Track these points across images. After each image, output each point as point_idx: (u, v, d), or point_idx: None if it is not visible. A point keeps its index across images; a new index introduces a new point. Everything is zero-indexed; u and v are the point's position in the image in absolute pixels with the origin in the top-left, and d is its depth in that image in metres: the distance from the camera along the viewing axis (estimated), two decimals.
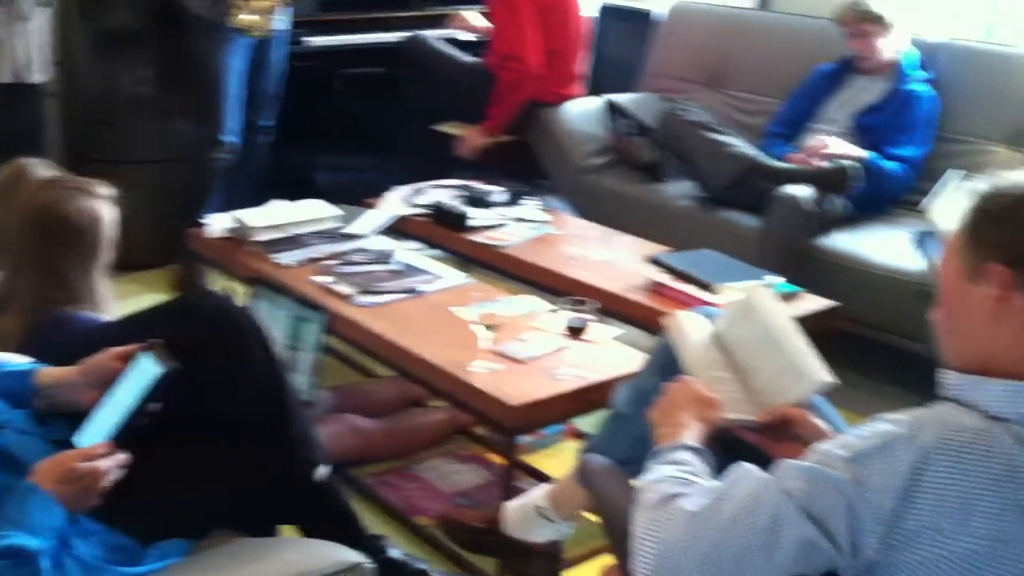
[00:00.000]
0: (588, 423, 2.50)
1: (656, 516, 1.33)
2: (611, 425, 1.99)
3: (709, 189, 3.72)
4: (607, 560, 2.21)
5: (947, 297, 1.34)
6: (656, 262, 2.97)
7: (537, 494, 2.13)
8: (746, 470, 1.33)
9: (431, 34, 4.52)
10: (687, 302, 2.63)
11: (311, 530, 1.90)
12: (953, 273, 1.31)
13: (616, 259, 3.10)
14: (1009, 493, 1.20)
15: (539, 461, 2.83)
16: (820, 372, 1.71)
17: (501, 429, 2.35)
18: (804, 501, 1.24)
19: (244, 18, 3.79)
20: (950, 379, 1.32)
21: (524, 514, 2.13)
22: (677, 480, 1.39)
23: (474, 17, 4.55)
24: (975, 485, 1.20)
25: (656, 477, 1.41)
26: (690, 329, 1.87)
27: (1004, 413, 1.24)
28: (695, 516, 1.29)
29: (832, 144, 3.59)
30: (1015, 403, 1.24)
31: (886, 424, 1.26)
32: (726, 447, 1.63)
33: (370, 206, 3.41)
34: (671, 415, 1.60)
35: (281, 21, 3.96)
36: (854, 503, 1.22)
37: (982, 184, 1.32)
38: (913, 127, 3.66)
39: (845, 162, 3.48)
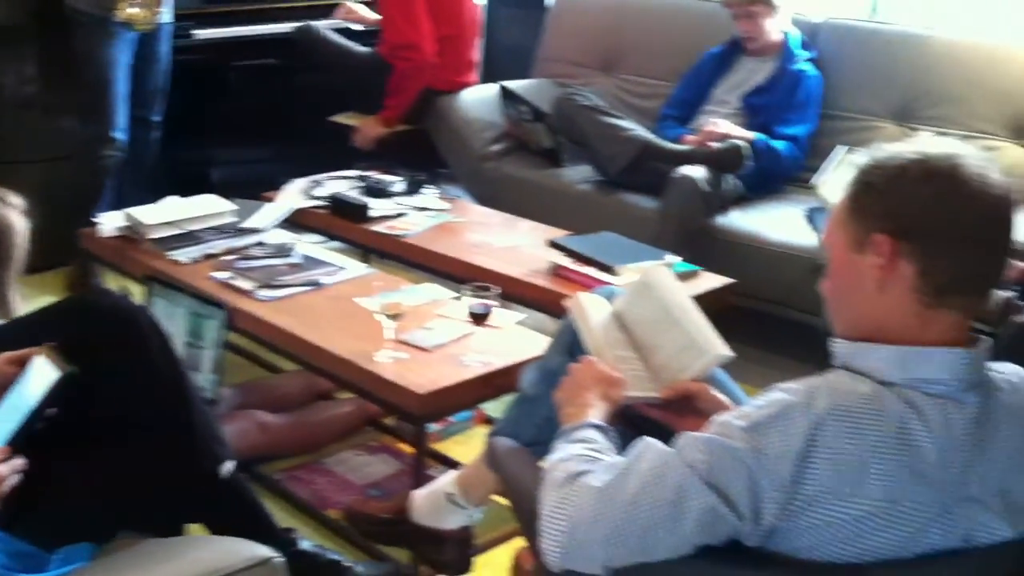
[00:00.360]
0: (496, 408, 2.51)
1: (563, 494, 1.34)
2: (519, 407, 2.01)
3: (606, 172, 3.76)
4: (519, 543, 2.23)
5: (834, 268, 1.38)
6: (557, 246, 2.99)
7: (446, 481, 2.14)
8: (649, 444, 1.35)
9: (322, 24, 4.47)
10: (589, 284, 2.66)
11: (219, 527, 1.88)
12: (839, 245, 1.35)
13: (517, 244, 3.12)
14: (901, 455, 1.24)
15: (449, 448, 2.84)
16: (719, 347, 1.75)
17: (409, 418, 2.35)
18: (706, 472, 1.27)
19: (129, 12, 3.70)
20: (840, 347, 1.36)
21: (433, 501, 2.13)
22: (583, 458, 1.41)
23: (361, 8, 4.52)
24: (868, 448, 1.23)
25: (562, 456, 1.43)
26: (591, 310, 1.90)
27: (893, 378, 1.28)
28: (601, 492, 1.31)
29: (723, 127, 3.66)
30: (903, 368, 1.28)
31: (781, 393, 1.29)
32: (633, 423, 1.66)
33: (268, 200, 3.38)
34: (576, 395, 1.62)
35: (166, 14, 3.88)
36: (754, 471, 1.25)
37: (863, 157, 1.36)
38: (801, 106, 3.75)
39: (738, 141, 3.56)
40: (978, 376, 1.31)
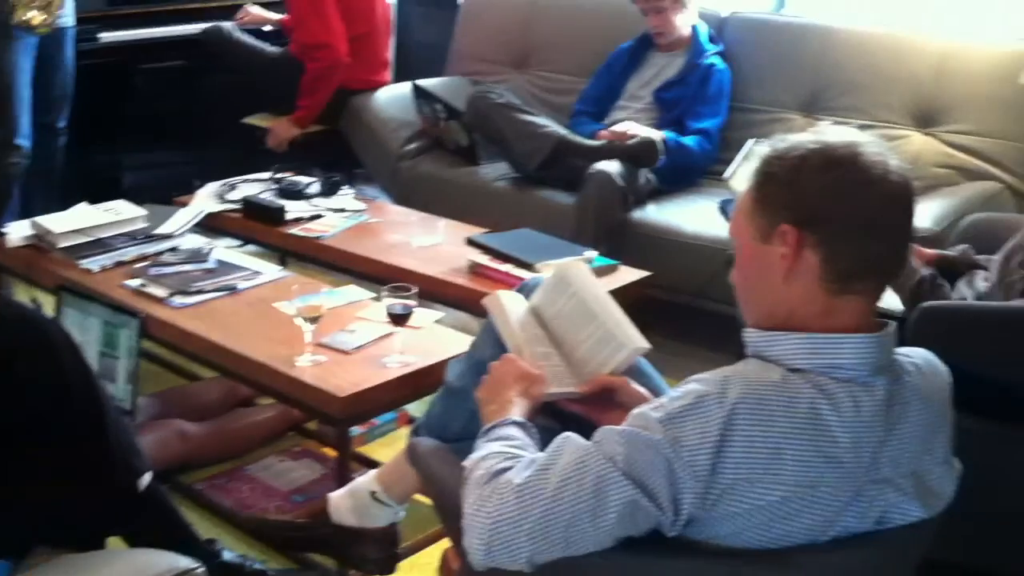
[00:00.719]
0: (420, 409, 2.50)
1: (485, 492, 1.34)
2: (444, 401, 2.00)
3: (523, 169, 3.78)
4: (446, 544, 2.23)
5: (742, 259, 1.40)
6: (475, 244, 3.00)
7: (367, 479, 2.12)
8: (569, 439, 1.36)
9: (230, 25, 4.42)
10: (508, 282, 2.67)
11: (139, 540, 1.85)
12: (746, 236, 1.37)
13: (436, 243, 3.11)
14: (814, 440, 1.26)
15: (374, 451, 2.82)
16: (637, 339, 1.76)
17: (331, 421, 2.33)
18: (625, 464, 1.28)
19: (27, 15, 3.61)
20: (751, 336, 1.38)
21: (356, 500, 2.11)
22: (503, 455, 1.41)
23: (261, 10, 4.48)
24: (782, 434, 1.25)
25: (483, 454, 1.43)
26: (510, 307, 1.90)
27: (803, 365, 1.31)
28: (522, 488, 1.32)
29: (633, 128, 3.69)
30: (813, 354, 1.31)
31: (695, 384, 1.30)
32: (558, 418, 1.67)
33: (181, 204, 3.32)
34: (497, 393, 1.62)
35: (68, 17, 3.80)
36: (672, 463, 1.26)
37: (765, 148, 1.38)
38: (711, 99, 3.80)
39: (652, 135, 3.59)
40: (885, 360, 1.34)
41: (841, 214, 1.30)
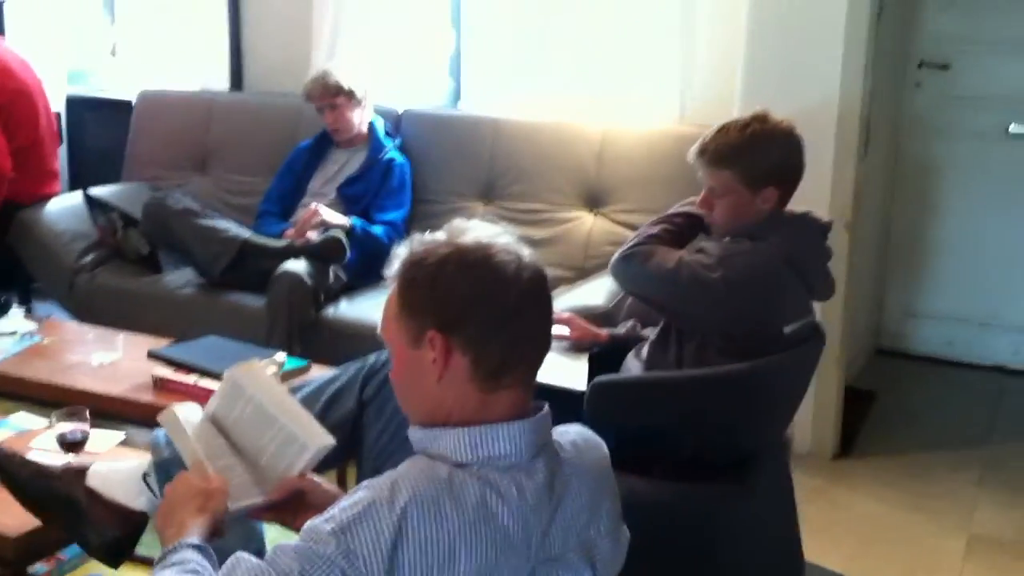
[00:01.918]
0: None
1: None
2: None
3: (208, 274, 3.70)
4: None
5: (397, 362, 1.42)
6: (157, 356, 2.89)
7: (142, 462, 1.95)
8: (240, 560, 1.32)
9: None
10: (195, 394, 2.59)
11: None
12: (397, 340, 1.39)
13: (116, 359, 2.98)
14: (484, 532, 1.29)
15: None
16: (320, 437, 1.70)
17: (6, 564, 2.16)
18: None
19: None
20: (415, 434, 1.40)
21: (123, 474, 1.95)
22: None
23: None
24: (453, 530, 1.27)
25: None
26: (188, 420, 1.83)
27: (466, 459, 1.34)
28: None
29: (321, 211, 3.71)
30: (473, 448, 1.34)
31: (365, 491, 1.30)
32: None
33: None
34: (173, 515, 1.55)
35: None
36: (347, 573, 1.25)
37: (405, 250, 1.41)
38: (394, 192, 3.88)
39: (337, 232, 3.62)
40: (542, 442, 1.39)
41: (483, 316, 1.34)
